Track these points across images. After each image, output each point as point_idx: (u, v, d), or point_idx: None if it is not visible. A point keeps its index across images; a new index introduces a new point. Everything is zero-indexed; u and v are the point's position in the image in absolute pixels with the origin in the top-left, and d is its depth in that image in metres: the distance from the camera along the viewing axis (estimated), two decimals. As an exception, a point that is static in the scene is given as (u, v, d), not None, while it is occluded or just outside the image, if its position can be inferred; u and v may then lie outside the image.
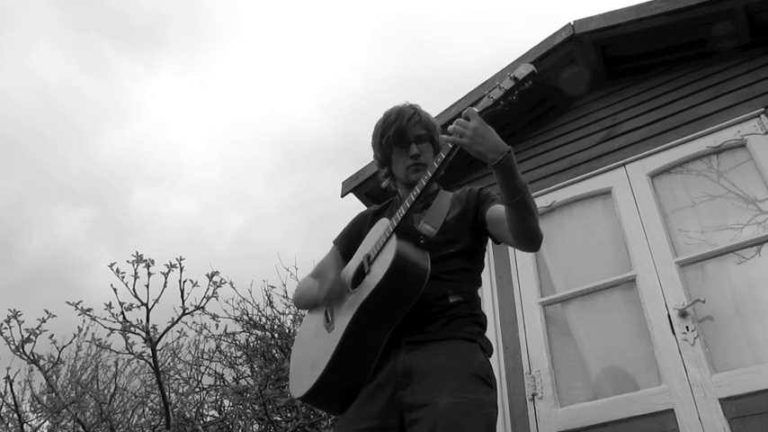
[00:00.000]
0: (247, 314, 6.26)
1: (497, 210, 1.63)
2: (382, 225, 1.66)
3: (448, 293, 1.59)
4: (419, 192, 1.54)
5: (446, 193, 1.75)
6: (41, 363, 4.08)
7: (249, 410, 5.12)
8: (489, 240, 1.74)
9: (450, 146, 1.47)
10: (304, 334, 1.82)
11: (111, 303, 3.78)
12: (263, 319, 6.25)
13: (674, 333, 2.50)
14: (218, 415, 5.58)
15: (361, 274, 1.62)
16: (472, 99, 3.48)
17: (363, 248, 1.70)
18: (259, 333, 6.16)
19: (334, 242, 1.93)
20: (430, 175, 1.53)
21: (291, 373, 1.77)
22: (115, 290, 3.83)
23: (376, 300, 1.50)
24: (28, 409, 5.58)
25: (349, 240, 1.87)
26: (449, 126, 1.48)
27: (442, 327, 1.55)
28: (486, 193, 1.74)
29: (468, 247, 1.69)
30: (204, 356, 6.07)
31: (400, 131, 1.75)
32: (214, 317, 4.61)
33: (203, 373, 5.92)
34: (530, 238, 1.53)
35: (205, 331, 5.88)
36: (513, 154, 1.43)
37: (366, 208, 2.03)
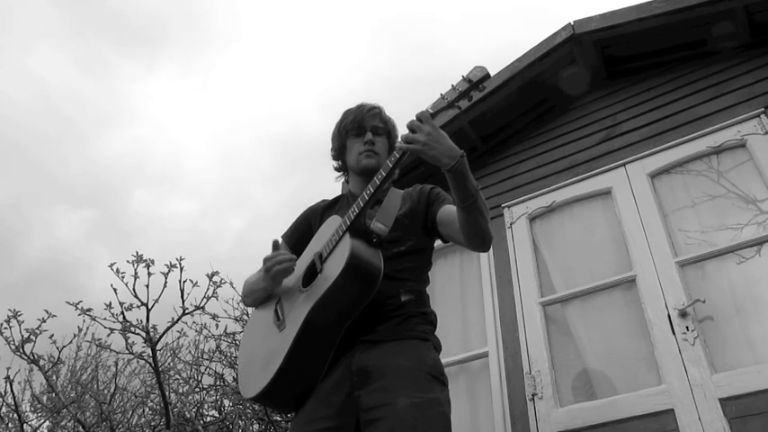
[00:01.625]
0: (247, 314, 6.25)
1: (448, 211, 1.65)
2: (334, 222, 1.66)
3: (399, 292, 1.60)
4: (373, 191, 1.55)
5: (396, 191, 1.76)
6: (41, 363, 4.08)
7: (249, 410, 5.12)
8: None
9: (403, 149, 1.48)
10: (252, 332, 1.80)
11: (111, 303, 3.79)
12: (263, 319, 6.24)
13: (674, 333, 2.50)
14: (218, 415, 5.58)
15: (312, 272, 1.61)
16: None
17: (314, 245, 1.69)
18: (259, 333, 6.15)
19: (282, 237, 1.90)
20: (384, 174, 1.53)
21: (241, 373, 1.75)
22: (115, 290, 3.83)
23: (330, 299, 1.50)
24: (28, 409, 5.58)
25: (297, 235, 1.87)
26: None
27: (396, 326, 1.56)
28: (437, 193, 1.76)
29: (417, 246, 1.70)
30: (204, 356, 6.06)
31: (358, 119, 1.79)
32: (214, 317, 4.61)
33: (203, 373, 5.91)
34: (481, 239, 1.57)
35: (205, 331, 5.87)
36: (465, 158, 1.44)
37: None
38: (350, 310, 1.52)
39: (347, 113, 1.84)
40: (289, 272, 1.62)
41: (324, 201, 1.95)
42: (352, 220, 1.55)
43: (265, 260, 1.62)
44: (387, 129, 1.82)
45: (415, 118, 1.46)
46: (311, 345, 1.53)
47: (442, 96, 1.49)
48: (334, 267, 1.52)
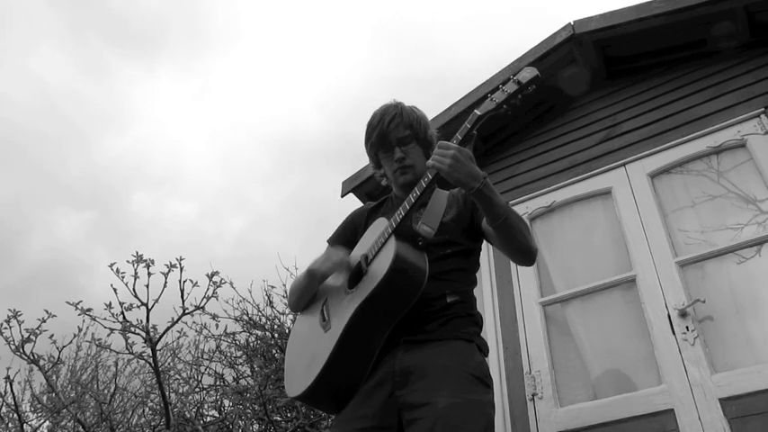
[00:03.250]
0: (247, 314, 6.26)
1: None
2: (380, 225, 1.65)
3: (445, 293, 1.59)
4: (419, 194, 1.55)
5: (442, 192, 1.74)
6: (41, 363, 4.08)
7: (249, 410, 5.13)
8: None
9: (434, 172, 1.50)
10: (299, 333, 1.81)
11: (111, 303, 3.78)
12: (263, 319, 6.25)
13: (674, 333, 2.50)
14: (218, 415, 5.59)
15: (358, 273, 1.61)
16: (472, 99, 3.48)
17: (360, 248, 1.69)
18: (259, 333, 6.16)
19: (328, 242, 1.91)
20: (424, 185, 1.54)
21: (286, 373, 1.76)
22: (115, 290, 3.83)
23: (375, 301, 1.50)
24: (28, 409, 5.58)
25: (345, 237, 1.86)
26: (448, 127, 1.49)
27: (440, 326, 1.55)
28: None
29: (464, 248, 1.70)
30: (204, 356, 6.07)
31: (382, 136, 1.75)
32: (214, 317, 4.61)
33: (203, 373, 5.92)
34: (521, 254, 1.59)
35: (205, 331, 5.88)
36: (489, 180, 1.47)
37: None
38: (395, 312, 1.52)
39: (371, 128, 1.79)
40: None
41: (369, 204, 1.95)
42: (398, 223, 1.55)
43: (312, 266, 1.67)
44: (414, 134, 1.77)
45: (450, 141, 1.49)
46: (355, 345, 1.53)
47: (491, 98, 1.47)
48: (379, 269, 1.52)
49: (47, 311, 3.82)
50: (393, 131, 1.75)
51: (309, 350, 1.64)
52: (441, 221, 1.61)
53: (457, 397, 1.40)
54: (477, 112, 1.48)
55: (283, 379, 1.83)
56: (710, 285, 2.58)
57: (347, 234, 1.86)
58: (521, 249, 1.56)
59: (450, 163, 1.44)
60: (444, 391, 1.41)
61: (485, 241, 1.76)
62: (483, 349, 1.60)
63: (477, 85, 3.48)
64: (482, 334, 1.66)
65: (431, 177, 1.52)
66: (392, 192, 1.88)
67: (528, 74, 1.44)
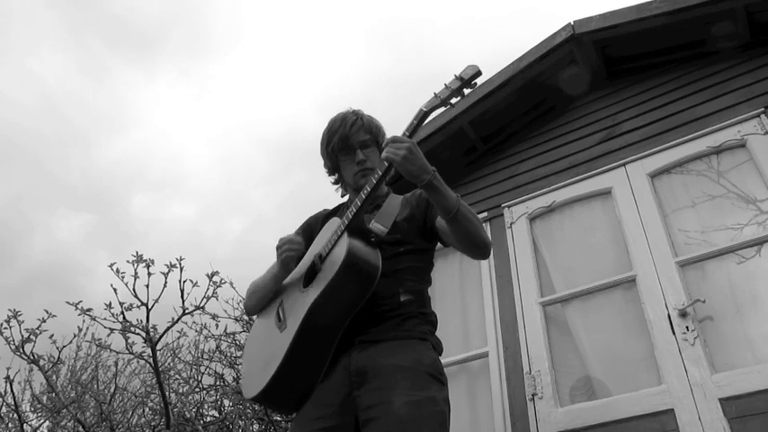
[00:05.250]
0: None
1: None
2: (333, 224, 1.68)
3: (398, 292, 1.61)
4: (369, 190, 1.57)
5: (396, 196, 1.78)
6: (41, 363, 4.08)
7: (249, 410, 5.12)
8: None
9: (387, 163, 1.53)
10: (255, 335, 1.81)
11: (110, 303, 3.78)
12: (263, 319, 6.23)
13: (674, 333, 2.50)
14: (218, 415, 5.58)
15: (312, 272, 1.63)
16: (470, 100, 3.49)
17: (314, 248, 1.72)
18: (259, 333, 6.14)
19: None
20: (374, 181, 1.56)
21: (244, 375, 1.77)
22: (115, 290, 3.83)
23: (328, 297, 1.52)
24: (28, 409, 5.58)
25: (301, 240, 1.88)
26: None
27: (394, 326, 1.57)
28: None
29: (417, 247, 1.72)
30: (204, 356, 6.06)
31: (344, 139, 1.78)
32: (214, 317, 4.61)
33: (203, 373, 5.92)
34: (477, 247, 1.62)
35: (205, 331, 5.87)
36: (437, 173, 1.50)
37: None
38: (348, 309, 1.53)
39: (331, 133, 1.82)
40: (297, 254, 1.68)
41: (325, 210, 1.97)
42: (350, 220, 1.57)
43: (278, 244, 1.69)
44: (374, 138, 1.81)
45: (400, 134, 1.52)
46: (310, 344, 1.54)
47: (436, 95, 1.53)
48: (333, 265, 1.54)
49: (47, 311, 3.82)
50: (354, 135, 1.78)
51: (265, 351, 1.64)
52: (394, 221, 1.64)
53: (412, 395, 1.42)
54: (423, 108, 1.53)
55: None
56: (710, 285, 2.58)
57: (304, 237, 1.86)
58: (475, 242, 1.59)
59: (404, 155, 1.47)
60: (399, 389, 1.43)
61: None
62: (437, 348, 1.62)
63: (477, 86, 3.47)
64: (437, 333, 1.68)
65: (382, 171, 1.55)
66: (348, 197, 1.90)
67: (470, 71, 1.49)
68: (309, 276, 1.63)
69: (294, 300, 1.63)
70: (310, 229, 1.89)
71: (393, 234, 1.63)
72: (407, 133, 1.53)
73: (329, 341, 1.54)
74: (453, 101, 1.52)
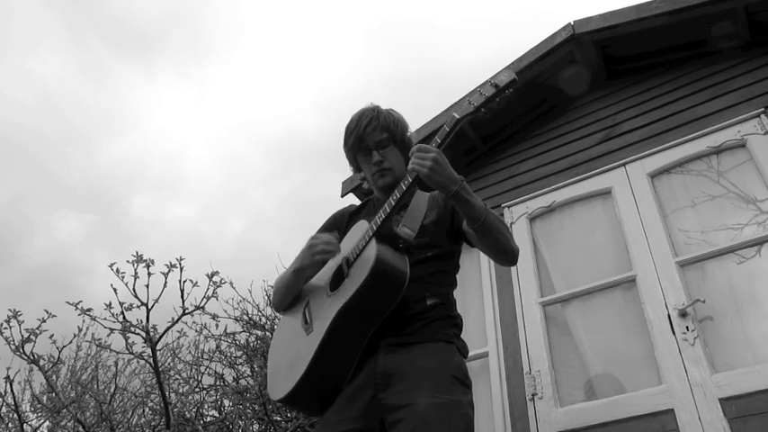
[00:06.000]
0: (247, 314, 6.25)
1: None
2: (361, 227, 1.66)
3: (425, 296, 1.60)
4: (399, 196, 1.55)
5: (423, 194, 1.75)
6: (41, 363, 4.08)
7: (249, 410, 5.12)
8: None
9: (413, 175, 1.50)
10: (281, 336, 1.82)
11: (110, 303, 3.78)
12: (263, 319, 6.24)
13: (674, 333, 2.50)
14: (218, 415, 5.58)
15: (339, 276, 1.62)
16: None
17: (342, 250, 1.69)
18: (259, 333, 6.15)
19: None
20: (399, 194, 1.54)
21: (269, 376, 1.77)
22: (115, 290, 3.82)
23: (356, 303, 1.51)
24: (28, 409, 5.58)
25: None
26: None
27: (421, 329, 1.56)
28: None
29: (444, 251, 1.71)
30: (204, 356, 6.06)
31: (359, 140, 1.76)
32: (214, 317, 4.60)
33: (203, 373, 5.91)
34: (503, 255, 1.61)
35: (205, 331, 5.87)
36: (466, 183, 1.48)
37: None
38: (376, 314, 1.53)
39: (348, 133, 1.80)
40: (332, 256, 1.63)
41: (351, 206, 1.96)
42: (379, 226, 1.56)
43: (311, 240, 1.65)
44: (392, 136, 1.77)
45: (430, 143, 1.48)
46: (337, 348, 1.54)
47: (469, 102, 1.48)
48: (360, 271, 1.53)
49: (47, 311, 3.81)
50: (370, 135, 1.75)
51: (292, 353, 1.65)
52: (421, 224, 1.62)
53: (437, 397, 1.41)
54: (456, 115, 1.48)
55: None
56: (710, 285, 2.58)
57: (330, 233, 1.85)
58: (502, 250, 1.59)
59: (430, 166, 1.44)
60: (424, 392, 1.42)
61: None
62: (462, 351, 1.62)
63: (477, 86, 3.47)
64: (462, 335, 1.67)
65: (411, 180, 1.52)
66: (373, 194, 1.89)
67: (505, 77, 1.45)
68: (337, 280, 1.62)
69: (321, 303, 1.63)
70: (336, 224, 1.88)
71: (420, 237, 1.61)
72: (439, 140, 1.49)
73: (356, 346, 1.54)
74: (487, 108, 1.47)
